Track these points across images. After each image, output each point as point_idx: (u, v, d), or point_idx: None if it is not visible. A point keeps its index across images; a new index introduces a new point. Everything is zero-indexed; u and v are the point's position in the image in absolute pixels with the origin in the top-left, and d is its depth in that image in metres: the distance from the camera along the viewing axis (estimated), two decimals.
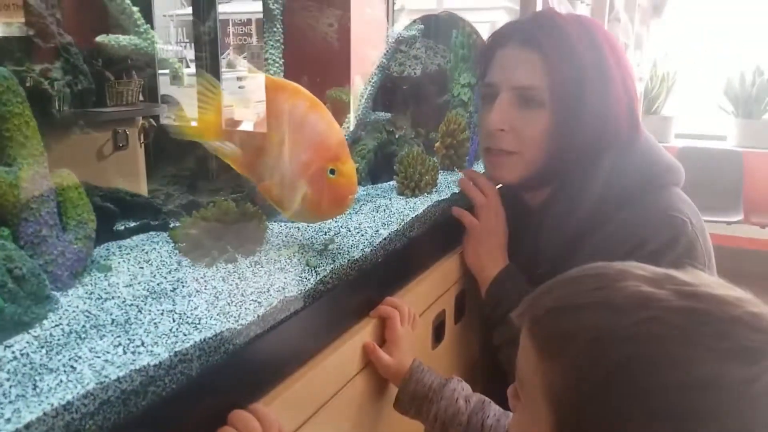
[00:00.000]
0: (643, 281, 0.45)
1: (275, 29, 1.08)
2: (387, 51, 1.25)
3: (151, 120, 1.18)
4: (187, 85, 1.17)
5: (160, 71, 1.18)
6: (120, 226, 0.89)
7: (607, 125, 0.99)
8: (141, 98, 1.17)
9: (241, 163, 0.91)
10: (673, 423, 0.38)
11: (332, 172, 0.85)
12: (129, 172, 1.13)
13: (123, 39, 0.88)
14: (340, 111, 1.32)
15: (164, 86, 1.20)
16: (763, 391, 0.39)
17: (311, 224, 1.04)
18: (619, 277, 0.46)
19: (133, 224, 0.90)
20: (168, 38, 1.24)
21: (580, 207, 0.99)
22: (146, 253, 0.84)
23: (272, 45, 1.07)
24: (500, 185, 1.20)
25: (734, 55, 4.70)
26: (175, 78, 1.18)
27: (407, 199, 1.25)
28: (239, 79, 1.19)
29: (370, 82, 1.20)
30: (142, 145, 1.16)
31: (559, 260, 0.99)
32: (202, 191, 1.12)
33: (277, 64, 1.08)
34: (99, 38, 0.88)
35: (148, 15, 1.08)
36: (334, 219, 1.09)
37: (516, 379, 0.53)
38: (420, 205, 1.22)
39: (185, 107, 0.99)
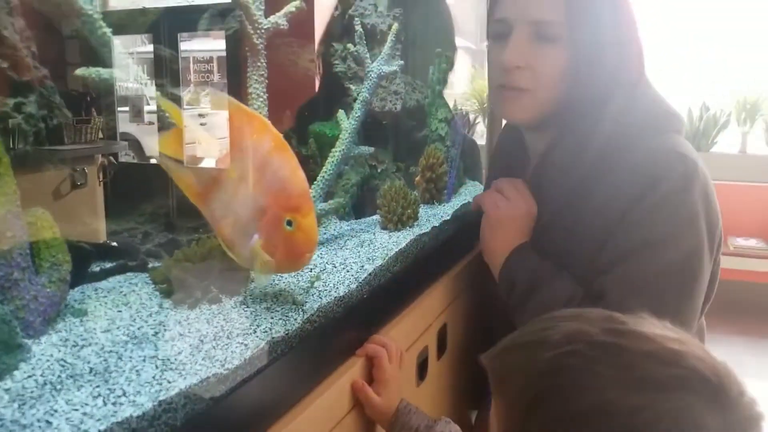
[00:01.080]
0: (585, 322, 0.46)
1: (259, 64, 1.07)
2: (369, 86, 1.25)
3: (111, 158, 1.15)
4: (147, 123, 1.15)
5: (120, 109, 1.15)
6: (95, 268, 0.85)
7: (621, 64, 0.94)
8: (100, 136, 1.14)
9: (194, 192, 0.83)
10: None
11: (289, 223, 0.78)
12: (88, 212, 1.09)
13: (104, 72, 0.85)
14: (323, 146, 1.31)
15: (123, 123, 1.17)
16: (650, 420, 0.38)
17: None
18: (568, 317, 0.47)
19: (109, 265, 0.86)
20: (128, 76, 1.22)
21: (587, 151, 0.94)
22: (124, 295, 0.80)
23: (256, 79, 1.06)
24: (504, 126, 1.19)
25: (681, 91, 4.89)
26: (136, 115, 1.15)
27: (390, 233, 1.24)
28: (201, 116, 1.17)
29: (353, 116, 1.19)
30: (101, 183, 1.12)
31: (565, 210, 0.93)
32: (175, 228, 1.09)
33: (260, 99, 1.06)
34: (79, 71, 0.85)
35: (92, 29, 1.05)
36: (319, 255, 1.07)
37: None
38: (403, 239, 1.20)
39: (144, 145, 0.95)
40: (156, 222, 1.04)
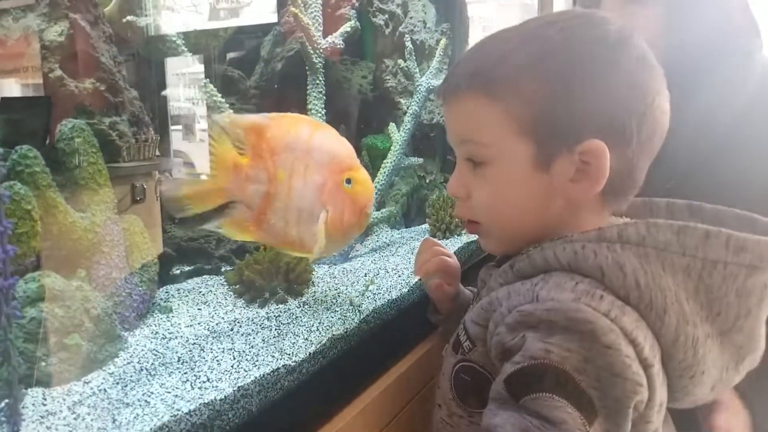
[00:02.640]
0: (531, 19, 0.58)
1: (317, 81, 1.15)
2: (418, 99, 1.32)
3: (167, 174, 1.22)
4: (198, 140, 1.21)
5: (173, 127, 1.21)
6: (176, 270, 0.94)
7: (725, 26, 0.87)
8: (157, 153, 1.21)
9: (247, 227, 0.83)
10: (604, 67, 0.53)
11: (348, 181, 0.82)
12: (149, 225, 1.15)
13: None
14: (374, 157, 1.38)
15: (176, 141, 1.24)
16: (635, 36, 0.55)
17: (345, 262, 1.07)
18: (516, 26, 0.57)
19: (187, 268, 0.95)
20: (179, 96, 1.27)
21: (726, 111, 0.85)
22: (203, 295, 0.89)
23: (315, 96, 1.14)
24: None
25: None
26: (188, 133, 1.22)
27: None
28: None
29: (403, 128, 1.26)
30: (158, 198, 1.19)
31: (700, 172, 0.84)
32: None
33: (319, 114, 1.14)
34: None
35: (161, 73, 1.13)
36: (372, 261, 1.14)
37: (473, 151, 0.58)
38: (451, 246, 1.26)
39: (196, 161, 0.97)
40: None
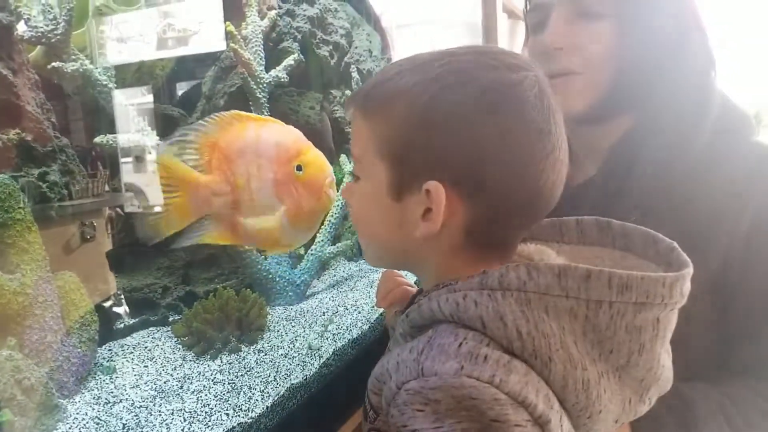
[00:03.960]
0: (435, 52, 0.56)
1: (261, 114, 1.12)
2: None
3: (118, 209, 1.18)
4: (150, 171, 1.17)
5: (123, 160, 1.18)
6: (120, 324, 0.89)
7: (680, 49, 0.85)
8: (106, 188, 1.17)
9: (229, 236, 0.81)
10: (472, 117, 0.51)
11: (299, 168, 0.79)
12: (98, 265, 1.11)
13: (119, 138, 0.89)
14: None
15: (128, 175, 1.20)
16: (528, 87, 0.51)
17: (302, 301, 1.04)
18: (415, 56, 0.57)
19: (132, 321, 0.89)
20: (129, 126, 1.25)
21: (695, 136, 0.84)
22: (149, 350, 0.84)
23: None
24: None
25: None
26: (139, 165, 1.18)
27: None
28: None
29: None
30: (110, 235, 1.15)
31: (663, 209, 0.81)
32: (191, 280, 1.11)
33: None
34: (97, 139, 0.90)
35: (109, 104, 1.09)
36: (331, 298, 1.10)
37: (355, 162, 0.59)
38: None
39: (148, 192, 0.95)
40: (173, 275, 1.08)
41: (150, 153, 1.21)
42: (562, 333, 0.49)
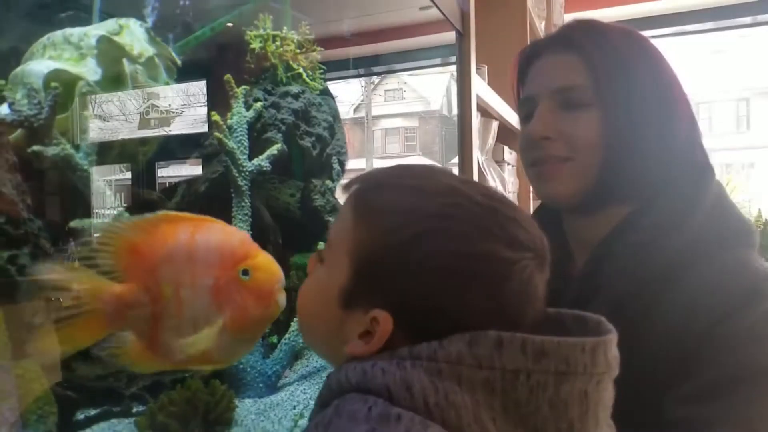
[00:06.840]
0: (454, 180, 0.54)
1: (243, 204, 1.14)
2: None
3: None
4: None
5: (96, 235, 1.17)
6: (80, 416, 0.84)
7: (670, 140, 0.84)
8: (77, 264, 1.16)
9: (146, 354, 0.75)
10: (449, 278, 0.49)
11: (245, 273, 0.68)
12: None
13: (97, 223, 0.89)
14: (305, 277, 1.35)
15: None
16: (519, 270, 0.49)
17: (272, 394, 1.00)
18: (433, 175, 0.56)
19: (94, 412, 0.85)
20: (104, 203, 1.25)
21: (674, 236, 0.82)
22: None
23: (240, 218, 1.12)
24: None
25: None
26: None
27: None
28: None
29: None
30: None
31: (635, 303, 0.80)
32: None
33: None
34: (73, 223, 0.90)
35: (87, 188, 1.10)
36: (302, 391, 1.07)
37: (327, 243, 0.56)
38: None
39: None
40: None
41: None
42: (476, 407, 0.45)
